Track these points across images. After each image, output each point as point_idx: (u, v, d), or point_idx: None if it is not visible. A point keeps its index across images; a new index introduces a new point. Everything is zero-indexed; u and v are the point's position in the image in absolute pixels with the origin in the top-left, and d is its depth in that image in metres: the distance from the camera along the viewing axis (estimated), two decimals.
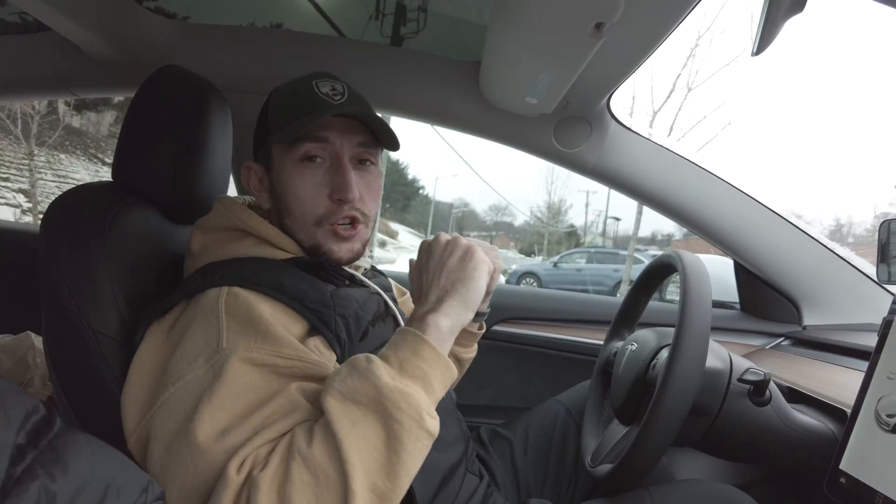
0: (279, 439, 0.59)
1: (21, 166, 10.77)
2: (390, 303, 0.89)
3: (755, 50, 0.56)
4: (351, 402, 0.58)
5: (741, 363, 0.81)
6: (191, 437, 0.59)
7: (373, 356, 0.62)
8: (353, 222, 0.81)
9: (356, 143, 0.80)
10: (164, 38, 1.18)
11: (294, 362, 0.64)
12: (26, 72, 1.31)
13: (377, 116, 0.80)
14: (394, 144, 0.84)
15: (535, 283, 14.04)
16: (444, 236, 0.74)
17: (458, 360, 1.08)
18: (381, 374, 0.59)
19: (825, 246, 1.23)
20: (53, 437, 0.35)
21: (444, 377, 0.64)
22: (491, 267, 0.73)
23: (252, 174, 0.84)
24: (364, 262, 0.91)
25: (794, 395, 0.91)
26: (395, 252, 22.52)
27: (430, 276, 0.71)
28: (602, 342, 1.08)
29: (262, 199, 0.84)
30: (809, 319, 1.25)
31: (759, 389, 0.77)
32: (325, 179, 0.79)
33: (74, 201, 0.80)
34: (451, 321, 0.67)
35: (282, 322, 0.67)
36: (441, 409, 0.90)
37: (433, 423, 0.60)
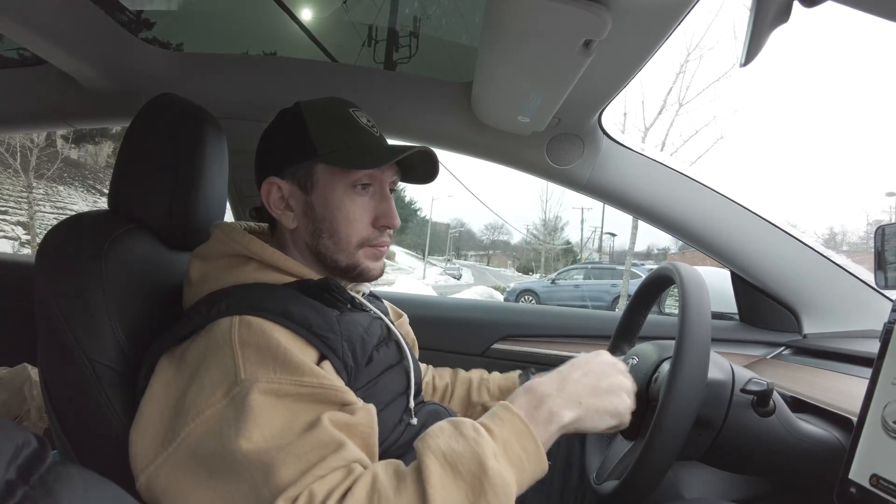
0: (331, 477, 0.58)
1: (20, 199, 10.81)
2: (392, 327, 0.89)
3: (743, 61, 0.57)
4: (451, 467, 0.59)
5: (743, 374, 0.80)
6: (230, 477, 0.58)
7: (479, 425, 0.62)
8: (385, 245, 0.86)
9: (393, 173, 0.85)
10: (159, 68, 1.20)
11: (316, 389, 0.63)
12: (24, 105, 1.32)
13: (432, 158, 0.86)
14: (427, 179, 0.91)
15: (533, 301, 14.03)
16: (618, 365, 0.76)
17: (485, 410, 1.09)
18: (487, 452, 0.59)
19: (821, 254, 1.23)
20: (45, 472, 0.34)
21: (535, 474, 0.64)
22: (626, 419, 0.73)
23: (275, 190, 0.82)
24: (363, 287, 0.92)
25: (798, 405, 0.90)
26: (394, 273, 22.53)
27: (576, 376, 0.71)
28: None
29: (284, 217, 0.83)
30: (809, 328, 1.25)
31: (762, 400, 0.77)
32: (370, 206, 0.83)
33: (70, 230, 0.80)
34: (565, 425, 0.67)
35: (294, 349, 0.67)
36: None
37: None
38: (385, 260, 0.88)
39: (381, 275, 0.88)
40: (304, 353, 0.68)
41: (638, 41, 0.81)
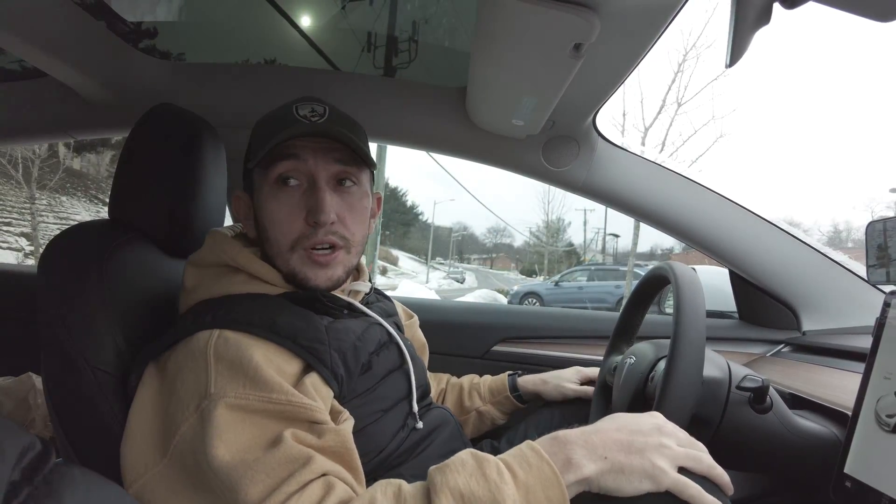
0: (308, 492, 0.57)
1: (23, 210, 10.85)
2: (392, 331, 0.88)
3: (728, 62, 0.58)
4: None
5: (740, 371, 0.81)
6: (206, 493, 0.58)
7: (503, 468, 0.57)
8: (333, 247, 0.78)
9: (333, 160, 0.77)
10: (157, 78, 1.22)
11: (284, 407, 0.62)
12: (25, 117, 1.34)
13: (346, 133, 0.75)
14: (367, 161, 0.81)
15: (537, 303, 14.00)
16: (666, 427, 0.64)
17: (479, 414, 1.10)
18: (507, 500, 0.54)
19: (819, 251, 1.24)
20: (48, 473, 0.35)
21: None
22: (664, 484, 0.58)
23: (241, 203, 0.84)
24: (363, 287, 0.89)
25: (797, 401, 0.90)
26: (397, 278, 22.54)
27: (608, 428, 0.63)
28: (601, 357, 1.08)
29: (248, 227, 0.84)
30: (808, 325, 1.25)
31: (759, 396, 0.77)
32: (301, 202, 0.76)
33: (71, 239, 0.81)
34: (585, 477, 0.58)
35: (275, 363, 0.65)
36: (448, 438, 0.90)
37: None
38: (387, 265, 0.88)
39: (330, 285, 0.80)
40: (287, 365, 0.67)
41: (627, 44, 0.82)
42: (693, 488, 0.57)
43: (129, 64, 1.16)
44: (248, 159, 0.81)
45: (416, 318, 1.07)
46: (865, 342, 1.03)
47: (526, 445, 0.60)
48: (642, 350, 0.90)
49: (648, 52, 0.84)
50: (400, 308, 1.01)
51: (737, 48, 0.54)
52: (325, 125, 0.76)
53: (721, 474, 0.61)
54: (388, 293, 1.05)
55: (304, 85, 1.27)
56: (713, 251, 1.27)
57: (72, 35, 1.02)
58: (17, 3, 0.91)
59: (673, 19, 0.77)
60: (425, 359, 1.08)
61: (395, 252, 34.79)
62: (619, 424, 0.63)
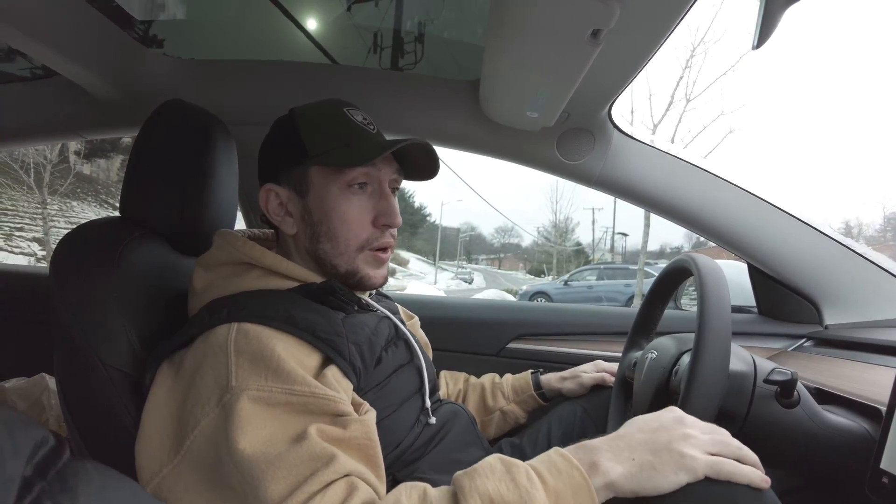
0: (331, 492, 0.56)
1: (35, 215, 10.98)
2: (401, 326, 0.89)
3: (755, 43, 0.56)
4: None
5: (765, 365, 0.79)
6: (225, 489, 0.57)
7: (533, 474, 0.57)
8: (388, 248, 0.83)
9: (394, 170, 0.83)
10: (167, 75, 1.21)
11: (308, 399, 0.61)
12: (36, 118, 1.34)
13: (433, 152, 0.83)
14: (429, 174, 0.87)
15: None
16: (686, 420, 0.64)
17: (503, 414, 1.09)
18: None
19: (841, 243, 1.21)
20: (62, 468, 0.34)
21: None
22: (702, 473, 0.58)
23: (272, 197, 0.82)
24: None
25: (823, 397, 0.88)
26: (406, 279, 22.57)
27: (631, 431, 0.63)
28: (619, 354, 1.06)
29: (284, 223, 0.82)
30: (831, 319, 1.22)
31: (786, 390, 0.75)
32: (368, 205, 0.80)
33: (83, 237, 0.80)
34: (613, 481, 0.58)
35: (295, 356, 0.65)
36: (462, 430, 0.89)
37: None
38: (396, 266, 0.87)
39: (382, 283, 0.85)
40: (307, 358, 0.67)
41: (647, 30, 0.80)
42: (727, 464, 0.58)
43: (139, 61, 1.16)
44: (304, 155, 0.79)
45: (416, 318, 1.06)
46: (892, 335, 1.00)
47: (554, 451, 0.61)
48: (664, 344, 0.88)
49: (667, 38, 0.82)
50: (402, 311, 1.00)
51: (766, 27, 0.52)
52: (411, 144, 0.80)
53: (749, 454, 0.61)
54: (397, 293, 1.04)
55: (313, 81, 1.26)
56: (732, 245, 1.24)
57: (82, 34, 1.02)
58: (29, 2, 0.90)
59: (693, 3, 0.75)
60: (430, 357, 1.07)
61: (405, 254, 34.86)
62: (639, 426, 0.63)
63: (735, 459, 0.59)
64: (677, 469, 0.57)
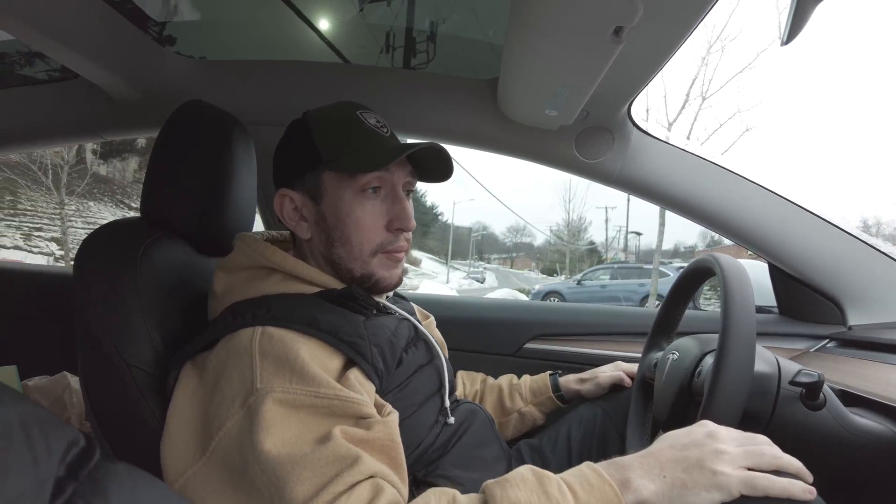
0: (357, 494, 0.56)
1: (53, 216, 11.14)
2: (420, 326, 0.89)
3: (785, 38, 0.55)
4: None
5: (790, 366, 0.77)
6: (250, 490, 0.57)
7: (565, 487, 0.56)
8: (402, 250, 0.84)
9: (408, 173, 0.83)
10: (186, 76, 1.22)
11: (332, 401, 0.62)
12: (56, 119, 1.35)
13: (446, 155, 0.82)
14: (443, 177, 0.86)
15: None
16: (718, 434, 0.61)
17: (521, 415, 1.08)
18: None
19: (865, 242, 1.18)
20: (93, 468, 0.34)
21: None
22: (734, 490, 0.56)
23: (287, 202, 0.82)
24: None
25: (848, 398, 0.86)
26: (418, 279, 22.61)
27: (662, 447, 0.62)
28: (638, 354, 1.05)
29: (299, 228, 0.82)
30: (854, 319, 1.20)
31: (812, 392, 0.74)
32: (382, 209, 0.80)
33: (105, 237, 0.81)
34: (645, 499, 0.56)
35: (319, 359, 0.66)
36: (479, 428, 0.89)
37: None
38: (408, 266, 0.87)
39: (398, 284, 0.85)
40: (330, 361, 0.67)
41: (669, 27, 0.79)
42: (762, 479, 0.56)
43: (157, 62, 1.17)
44: (318, 160, 0.79)
45: (432, 318, 1.06)
46: None
47: (586, 466, 0.60)
48: (685, 345, 0.87)
49: (690, 35, 0.81)
50: (417, 310, 1.00)
51: (796, 23, 0.51)
52: (421, 147, 0.79)
53: (789, 462, 0.59)
54: (411, 292, 1.04)
55: (328, 80, 1.26)
56: (752, 243, 1.22)
57: (102, 35, 1.02)
58: (48, 4, 0.91)
59: (716, 1, 0.74)
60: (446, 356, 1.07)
61: (417, 253, 34.87)
62: (670, 442, 0.62)
63: (774, 470, 0.58)
64: (710, 487, 0.56)
